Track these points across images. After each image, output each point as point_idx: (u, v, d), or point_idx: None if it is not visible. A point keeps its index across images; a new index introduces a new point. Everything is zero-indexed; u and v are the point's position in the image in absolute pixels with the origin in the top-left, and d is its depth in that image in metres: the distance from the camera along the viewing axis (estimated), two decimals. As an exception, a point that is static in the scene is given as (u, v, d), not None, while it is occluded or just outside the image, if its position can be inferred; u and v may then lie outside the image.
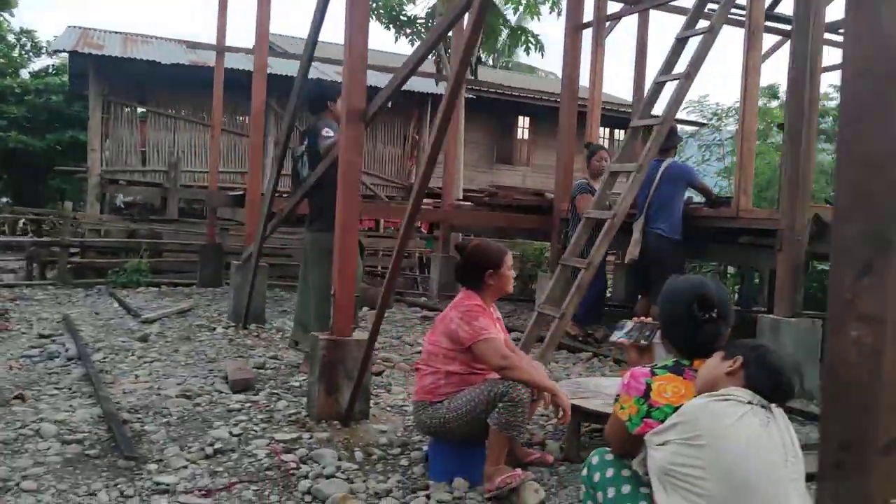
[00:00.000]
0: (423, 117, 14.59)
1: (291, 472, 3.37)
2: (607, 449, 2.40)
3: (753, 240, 5.80)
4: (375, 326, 3.77)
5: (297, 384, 4.90)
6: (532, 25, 19.64)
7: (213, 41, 9.34)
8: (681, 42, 5.60)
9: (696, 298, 2.18)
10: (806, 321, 5.37)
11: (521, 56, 24.73)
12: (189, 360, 5.50)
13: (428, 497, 3.15)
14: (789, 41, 5.46)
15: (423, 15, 12.97)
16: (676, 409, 2.10)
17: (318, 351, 4.02)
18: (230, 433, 3.78)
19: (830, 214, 5.51)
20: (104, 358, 5.53)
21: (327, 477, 3.31)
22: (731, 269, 10.46)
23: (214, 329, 6.69)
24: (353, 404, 3.97)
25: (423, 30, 12.96)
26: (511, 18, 13.26)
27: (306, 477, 3.31)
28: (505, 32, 12.88)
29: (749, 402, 1.98)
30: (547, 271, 8.42)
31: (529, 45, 12.87)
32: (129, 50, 12.99)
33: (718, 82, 19.01)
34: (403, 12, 12.57)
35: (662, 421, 2.11)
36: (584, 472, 2.38)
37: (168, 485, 3.15)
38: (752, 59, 5.74)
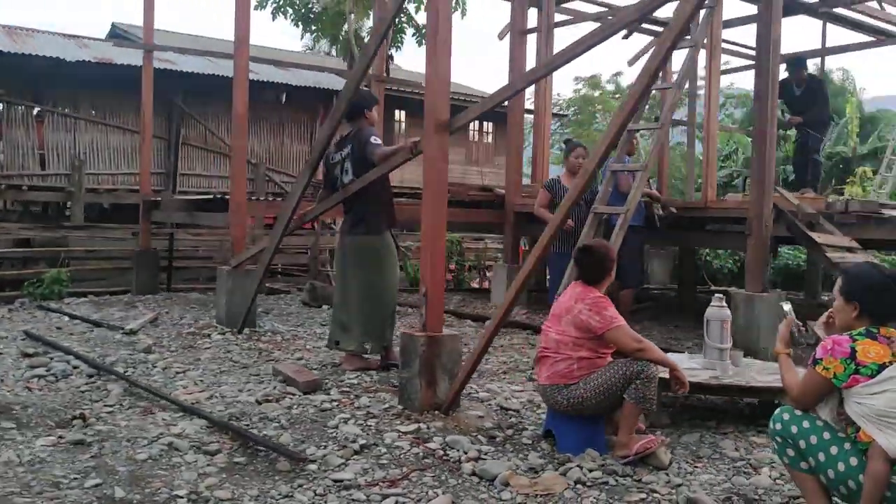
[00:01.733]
0: (329, 113, 14.58)
1: (443, 457, 3.66)
2: (788, 407, 2.94)
3: (721, 227, 6.63)
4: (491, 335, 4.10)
5: (356, 381, 5.10)
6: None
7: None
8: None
9: (893, 280, 2.77)
10: (774, 295, 6.25)
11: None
12: (222, 368, 5.50)
13: (580, 467, 3.55)
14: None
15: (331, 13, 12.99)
16: (881, 365, 2.67)
17: (418, 347, 4.29)
18: (360, 429, 3.97)
19: (784, 202, 6.45)
20: (126, 371, 5.40)
21: (472, 459, 3.63)
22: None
23: (210, 336, 6.63)
24: (457, 395, 4.28)
25: (327, 27, 13.04)
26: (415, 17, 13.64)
27: (458, 461, 3.62)
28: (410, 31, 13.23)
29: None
30: (504, 263, 8.97)
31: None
32: (19, 45, 12.01)
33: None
34: (311, 8, 12.58)
35: (871, 376, 2.67)
36: (777, 426, 2.90)
37: (349, 480, 3.34)
38: (714, 73, 6.54)
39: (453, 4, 13.06)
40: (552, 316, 3.94)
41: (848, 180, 18.15)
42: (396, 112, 21.87)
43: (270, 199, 10.68)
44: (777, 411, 2.96)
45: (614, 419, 3.85)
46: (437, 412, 4.29)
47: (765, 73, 6.05)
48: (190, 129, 13.65)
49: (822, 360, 2.79)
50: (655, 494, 3.31)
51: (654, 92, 8.67)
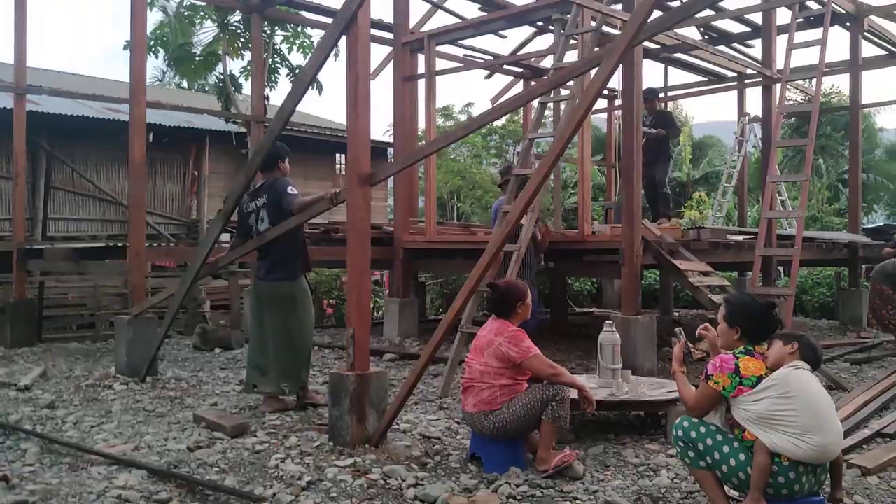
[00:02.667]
0: (202, 153, 14.47)
1: (385, 486, 3.99)
2: (687, 416, 3.52)
3: (596, 257, 7.35)
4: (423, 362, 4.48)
5: (278, 422, 5.30)
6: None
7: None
8: (543, 105, 6.98)
9: (770, 308, 3.43)
10: (646, 317, 7.03)
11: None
12: (138, 419, 5.51)
13: (509, 484, 3.99)
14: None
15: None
16: (759, 377, 3.30)
17: (348, 385, 4.59)
18: (300, 467, 4.22)
19: (649, 234, 7.27)
20: (34, 428, 5.30)
21: (412, 486, 3.98)
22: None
23: (113, 387, 6.55)
24: (387, 429, 4.62)
25: (199, 68, 13.00)
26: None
27: (400, 488, 3.96)
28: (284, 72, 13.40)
29: (808, 369, 3.26)
30: (395, 298, 9.33)
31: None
32: None
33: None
34: (187, 48, 12.51)
35: (751, 386, 3.28)
36: (679, 433, 3.46)
37: (309, 515, 3.60)
38: (587, 119, 7.29)
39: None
40: (474, 349, 4.37)
41: (686, 205, 19.76)
42: (337, 155, 22.21)
43: (155, 244, 10.50)
44: (678, 420, 3.53)
45: (531, 439, 4.33)
46: (367, 445, 4.60)
47: (627, 113, 6.83)
48: (57, 171, 13.10)
49: (712, 375, 3.39)
50: (578, 501, 3.80)
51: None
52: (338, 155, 23.09)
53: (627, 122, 6.87)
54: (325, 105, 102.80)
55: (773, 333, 3.45)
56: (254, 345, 5.72)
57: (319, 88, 13.80)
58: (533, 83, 14.56)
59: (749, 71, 11.81)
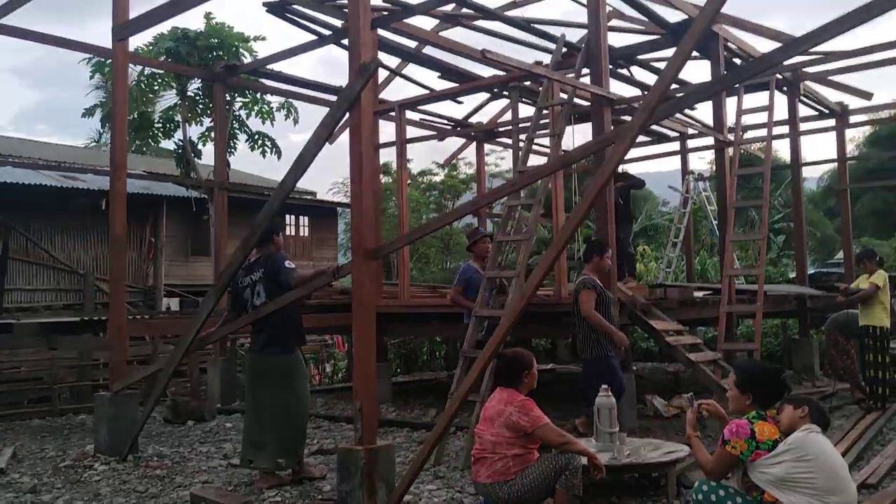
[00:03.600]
0: (160, 219, 14.28)
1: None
2: (704, 480, 3.69)
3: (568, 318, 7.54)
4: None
5: (279, 498, 5.25)
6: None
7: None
8: (521, 173, 7.25)
9: (780, 374, 3.64)
10: (627, 376, 7.21)
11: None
12: (130, 501, 5.38)
13: (528, 553, 4.06)
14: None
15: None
16: (774, 441, 3.49)
17: (358, 460, 4.61)
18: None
19: (622, 295, 7.51)
20: (23, 516, 5.14)
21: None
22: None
23: (94, 466, 6.36)
24: (399, 500, 4.63)
25: (160, 133, 12.98)
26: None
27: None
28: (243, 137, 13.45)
29: (819, 432, 3.47)
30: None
31: (266, 148, 13.69)
32: None
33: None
34: (146, 115, 12.48)
35: (768, 450, 3.47)
36: (699, 496, 3.62)
37: None
38: (561, 184, 7.58)
39: (284, 110, 13.60)
40: (484, 419, 4.46)
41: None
42: (287, 217, 22.54)
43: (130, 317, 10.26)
44: (696, 484, 3.70)
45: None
46: (378, 519, 4.61)
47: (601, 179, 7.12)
48: (12, 241, 12.74)
49: (729, 440, 3.56)
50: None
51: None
52: (287, 216, 23.24)
53: (597, 184, 7.15)
54: (264, 166, 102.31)
55: (782, 398, 3.66)
56: (250, 419, 5.67)
57: (278, 153, 13.92)
58: (486, 145, 15.12)
59: (691, 130, 12.44)
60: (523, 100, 10.74)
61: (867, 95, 12.07)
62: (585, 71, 7.54)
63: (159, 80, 12.56)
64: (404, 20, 8.63)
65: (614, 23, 10.43)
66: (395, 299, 9.23)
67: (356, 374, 4.83)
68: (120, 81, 6.81)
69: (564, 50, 8.33)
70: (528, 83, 9.84)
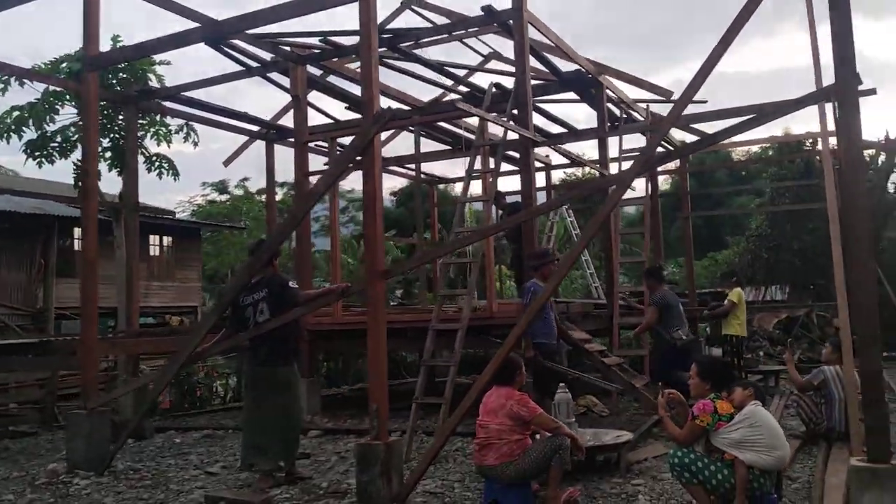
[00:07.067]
0: (51, 240, 13.80)
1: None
2: (676, 448, 4.83)
3: (504, 332, 8.59)
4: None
5: (287, 495, 5.85)
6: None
7: None
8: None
9: (730, 367, 4.85)
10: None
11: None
12: (133, 510, 5.75)
13: (531, 521, 5.01)
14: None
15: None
16: (731, 414, 4.68)
17: (378, 454, 5.36)
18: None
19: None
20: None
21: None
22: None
23: (72, 482, 6.55)
24: (412, 488, 5.42)
25: (55, 153, 12.70)
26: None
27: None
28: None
29: (761, 405, 4.72)
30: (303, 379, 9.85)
31: (163, 169, 13.72)
32: None
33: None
34: (47, 135, 12.21)
35: (727, 421, 4.66)
36: (675, 460, 4.74)
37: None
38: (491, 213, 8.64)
39: (184, 133, 13.77)
40: (486, 412, 5.35)
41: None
42: (151, 237, 22.23)
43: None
44: (672, 451, 4.83)
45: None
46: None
47: (527, 210, 8.27)
48: None
49: (698, 416, 4.73)
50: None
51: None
52: (150, 236, 22.82)
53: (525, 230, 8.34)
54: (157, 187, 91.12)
55: (732, 384, 4.89)
56: (252, 426, 6.19)
57: (176, 175, 14.00)
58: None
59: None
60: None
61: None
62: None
63: (66, 99, 12.35)
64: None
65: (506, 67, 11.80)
66: (327, 317, 9.86)
67: (372, 381, 5.57)
68: (92, 111, 7.09)
69: (495, 91, 9.40)
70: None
